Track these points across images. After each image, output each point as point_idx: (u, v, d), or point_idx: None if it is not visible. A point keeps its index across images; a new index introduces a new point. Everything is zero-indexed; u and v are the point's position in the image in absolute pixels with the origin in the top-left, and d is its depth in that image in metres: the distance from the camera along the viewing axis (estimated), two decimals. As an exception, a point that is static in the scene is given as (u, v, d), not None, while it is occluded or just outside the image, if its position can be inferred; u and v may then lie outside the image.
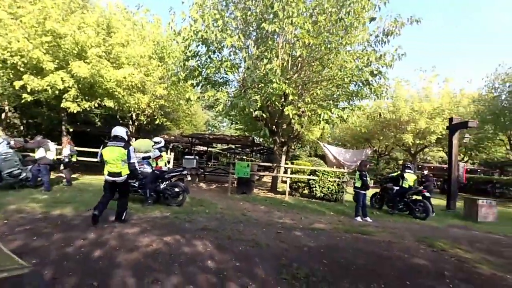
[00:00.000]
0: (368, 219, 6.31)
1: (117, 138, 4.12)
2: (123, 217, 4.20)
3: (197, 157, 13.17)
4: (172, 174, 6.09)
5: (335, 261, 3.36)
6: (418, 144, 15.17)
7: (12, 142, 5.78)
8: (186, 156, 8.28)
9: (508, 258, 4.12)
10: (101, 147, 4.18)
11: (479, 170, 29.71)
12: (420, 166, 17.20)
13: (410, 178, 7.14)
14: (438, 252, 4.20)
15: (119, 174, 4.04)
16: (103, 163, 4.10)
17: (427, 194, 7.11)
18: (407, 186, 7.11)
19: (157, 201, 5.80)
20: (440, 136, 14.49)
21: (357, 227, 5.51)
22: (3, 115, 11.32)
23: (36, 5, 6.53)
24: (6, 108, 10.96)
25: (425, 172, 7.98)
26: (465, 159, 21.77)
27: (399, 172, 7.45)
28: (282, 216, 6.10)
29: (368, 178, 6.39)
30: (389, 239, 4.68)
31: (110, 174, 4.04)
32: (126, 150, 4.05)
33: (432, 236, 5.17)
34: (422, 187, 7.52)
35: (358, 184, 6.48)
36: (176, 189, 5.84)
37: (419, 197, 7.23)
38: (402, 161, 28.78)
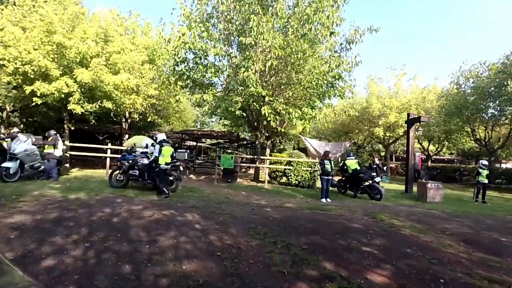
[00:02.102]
0: (328, 199, 7.58)
1: (165, 141, 6.54)
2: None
3: (188, 150, 14.23)
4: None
5: (290, 225, 4.57)
6: (389, 136, 16.67)
7: (34, 139, 6.71)
8: (178, 150, 9.37)
9: (431, 225, 5.22)
10: (160, 146, 6.46)
11: (455, 160, 32.13)
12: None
13: (350, 164, 8.61)
14: (377, 221, 5.28)
15: (169, 164, 6.47)
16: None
17: (377, 179, 8.48)
18: (350, 171, 8.56)
19: (154, 187, 6.88)
20: (408, 129, 15.98)
21: (319, 206, 6.71)
22: (4, 115, 12.04)
23: (43, 21, 7.33)
24: (7, 107, 11.66)
25: (376, 160, 9.35)
26: (441, 149, 23.49)
27: (342, 162, 8.93)
28: (259, 199, 7.33)
29: (328, 166, 7.65)
30: (341, 213, 5.90)
31: (166, 163, 6.40)
32: (173, 148, 6.66)
33: (379, 211, 6.32)
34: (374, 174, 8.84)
35: (320, 171, 7.84)
36: (171, 178, 6.91)
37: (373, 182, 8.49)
38: (383, 152, 30.68)
